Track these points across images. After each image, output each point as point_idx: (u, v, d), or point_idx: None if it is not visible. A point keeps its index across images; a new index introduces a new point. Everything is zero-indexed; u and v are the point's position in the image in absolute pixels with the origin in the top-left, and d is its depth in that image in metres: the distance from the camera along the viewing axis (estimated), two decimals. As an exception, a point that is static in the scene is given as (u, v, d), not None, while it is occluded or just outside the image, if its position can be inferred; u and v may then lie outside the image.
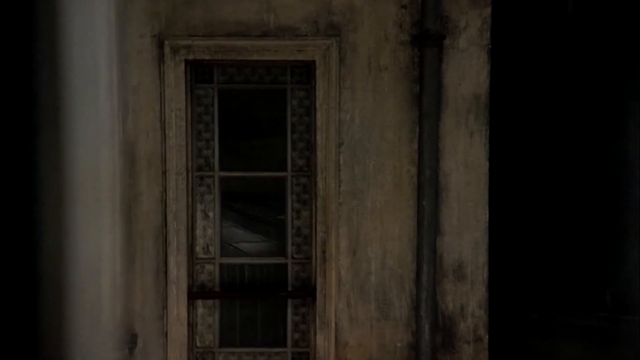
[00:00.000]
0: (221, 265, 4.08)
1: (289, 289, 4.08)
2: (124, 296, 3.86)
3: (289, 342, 4.10)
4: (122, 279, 3.85)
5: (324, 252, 3.91)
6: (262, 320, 4.12)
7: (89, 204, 0.90)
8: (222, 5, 3.81)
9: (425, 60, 3.79)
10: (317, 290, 3.94)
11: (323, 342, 3.94)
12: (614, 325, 4.02)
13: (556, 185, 4.18)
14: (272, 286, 4.08)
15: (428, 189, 3.81)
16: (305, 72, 3.99)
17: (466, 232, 3.89)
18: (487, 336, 3.93)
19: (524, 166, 4.24)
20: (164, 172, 3.86)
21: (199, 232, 4.05)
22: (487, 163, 3.86)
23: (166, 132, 3.84)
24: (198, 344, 4.09)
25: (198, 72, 3.98)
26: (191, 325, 4.03)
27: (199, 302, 4.08)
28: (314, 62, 3.86)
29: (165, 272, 3.90)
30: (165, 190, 3.87)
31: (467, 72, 3.84)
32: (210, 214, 4.06)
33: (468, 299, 3.92)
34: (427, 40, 3.77)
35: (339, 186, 3.87)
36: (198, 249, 4.05)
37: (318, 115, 3.87)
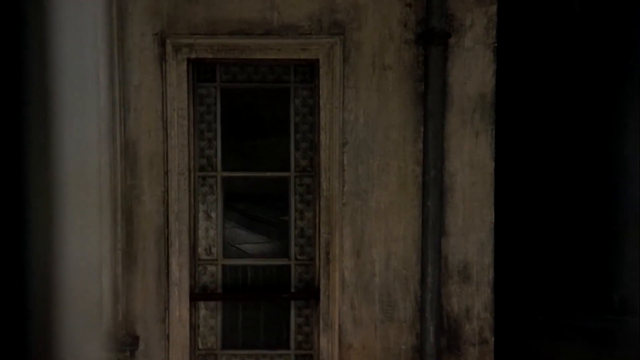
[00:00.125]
0: (224, 266, 4.05)
1: (292, 290, 4.04)
2: (125, 298, 3.83)
3: (292, 344, 4.07)
4: (123, 280, 3.82)
5: (327, 253, 3.87)
6: (265, 322, 4.09)
7: (81, 204, 0.87)
8: (224, 3, 3.78)
9: (430, 59, 3.76)
10: (321, 292, 3.91)
11: (326, 344, 3.91)
12: (620, 327, 3.97)
13: (562, 186, 4.14)
14: (275, 288, 4.05)
15: (433, 190, 3.78)
16: (308, 71, 3.96)
17: (471, 233, 3.85)
18: (492, 338, 3.90)
19: (530, 166, 4.20)
20: (166, 172, 3.84)
21: (201, 233, 4.02)
22: (493, 163, 3.83)
23: (168, 131, 3.81)
24: (200, 346, 4.06)
25: (200, 71, 3.95)
26: (193, 327, 4.00)
27: (201, 304, 4.04)
28: (317, 60, 3.83)
29: (167, 273, 3.87)
30: (167, 191, 3.84)
31: (473, 71, 3.81)
32: (213, 215, 4.03)
33: (473, 300, 3.89)
34: (432, 39, 3.74)
35: (343, 186, 3.84)
36: (200, 250, 4.02)
37: (322, 114, 3.83)
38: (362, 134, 3.83)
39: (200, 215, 4.02)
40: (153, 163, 3.83)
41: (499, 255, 3.87)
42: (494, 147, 3.82)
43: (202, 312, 4.06)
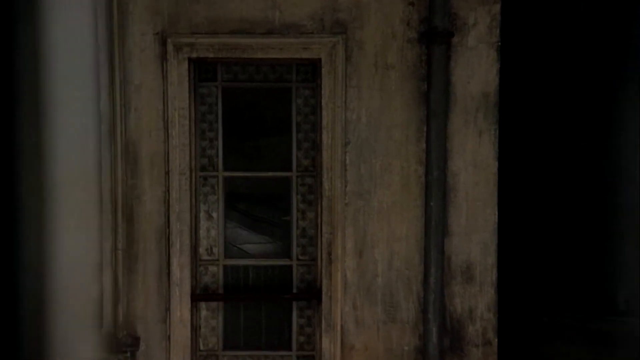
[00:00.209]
0: (225, 266, 4.03)
1: (294, 291, 4.02)
2: (126, 298, 3.81)
3: (294, 345, 4.05)
4: (123, 281, 3.80)
5: (329, 253, 3.85)
6: (266, 323, 4.07)
7: (75, 203, 0.84)
8: (226, 2, 3.76)
9: (433, 58, 3.74)
10: (323, 293, 3.89)
11: (329, 345, 3.88)
12: (625, 329, 3.95)
13: (567, 186, 4.11)
14: (276, 288, 4.03)
15: (436, 189, 3.76)
16: (310, 70, 3.94)
17: (475, 233, 3.83)
18: (496, 340, 3.87)
19: (534, 166, 4.17)
20: (167, 172, 3.82)
21: (202, 233, 4.00)
22: (496, 163, 3.81)
23: (169, 131, 3.80)
24: (201, 347, 4.04)
25: (201, 71, 3.93)
26: (194, 328, 3.98)
27: (203, 305, 4.02)
28: (319, 60, 3.81)
29: (168, 273, 3.85)
30: (168, 191, 3.82)
31: (476, 70, 3.78)
32: (214, 215, 4.01)
33: (477, 301, 3.86)
34: (435, 38, 3.72)
35: (345, 186, 3.82)
36: (201, 250, 4.01)
37: (324, 114, 3.81)
38: (365, 134, 3.81)
39: (202, 215, 4.00)
40: (154, 163, 3.82)
41: (502, 256, 3.85)
42: (498, 146, 3.80)
43: (204, 312, 4.04)
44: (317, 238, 3.96)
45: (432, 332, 3.80)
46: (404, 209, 3.84)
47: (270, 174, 4.02)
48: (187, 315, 3.89)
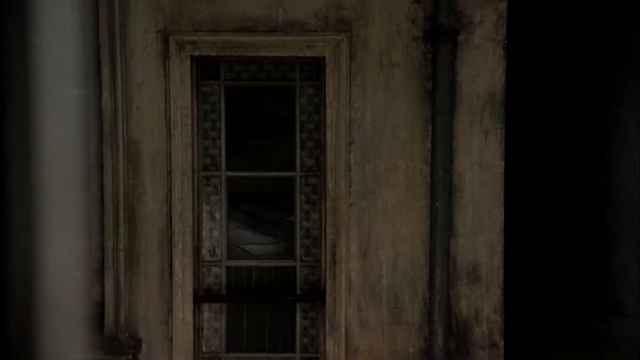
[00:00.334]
0: (228, 267, 4.00)
1: (298, 292, 3.99)
2: (127, 299, 3.78)
3: (298, 347, 4.01)
4: (125, 282, 3.76)
5: (333, 254, 3.81)
6: (270, 325, 4.03)
7: (68, 205, 0.81)
8: (228, -1, 3.72)
9: (438, 57, 3.70)
10: (327, 294, 3.85)
11: (333, 347, 3.85)
12: (632, 331, 3.90)
13: (575, 187, 4.07)
14: (280, 289, 3.99)
15: (441, 190, 3.72)
16: (314, 68, 3.90)
17: (481, 234, 3.79)
18: (502, 342, 3.83)
19: (541, 166, 4.13)
20: (169, 172, 3.78)
21: (205, 233, 3.96)
22: (503, 163, 3.77)
23: (171, 130, 3.76)
24: (204, 349, 4.01)
25: (204, 69, 3.90)
26: (197, 330, 3.95)
27: (205, 306, 3.99)
28: (323, 58, 3.78)
29: (170, 274, 3.82)
30: (171, 191, 3.79)
31: (482, 68, 3.74)
32: (217, 215, 3.97)
33: (483, 303, 3.82)
34: (440, 36, 3.68)
35: (350, 186, 3.78)
36: (204, 251, 3.97)
37: (328, 113, 3.78)
38: (369, 133, 3.77)
39: (204, 215, 3.96)
40: (156, 162, 3.78)
41: (508, 257, 3.82)
42: (504, 146, 3.76)
43: (206, 314, 4.00)
44: (321, 239, 3.92)
45: (437, 334, 3.76)
46: (409, 209, 3.80)
47: (273, 173, 3.98)
48: (189, 316, 3.85)
